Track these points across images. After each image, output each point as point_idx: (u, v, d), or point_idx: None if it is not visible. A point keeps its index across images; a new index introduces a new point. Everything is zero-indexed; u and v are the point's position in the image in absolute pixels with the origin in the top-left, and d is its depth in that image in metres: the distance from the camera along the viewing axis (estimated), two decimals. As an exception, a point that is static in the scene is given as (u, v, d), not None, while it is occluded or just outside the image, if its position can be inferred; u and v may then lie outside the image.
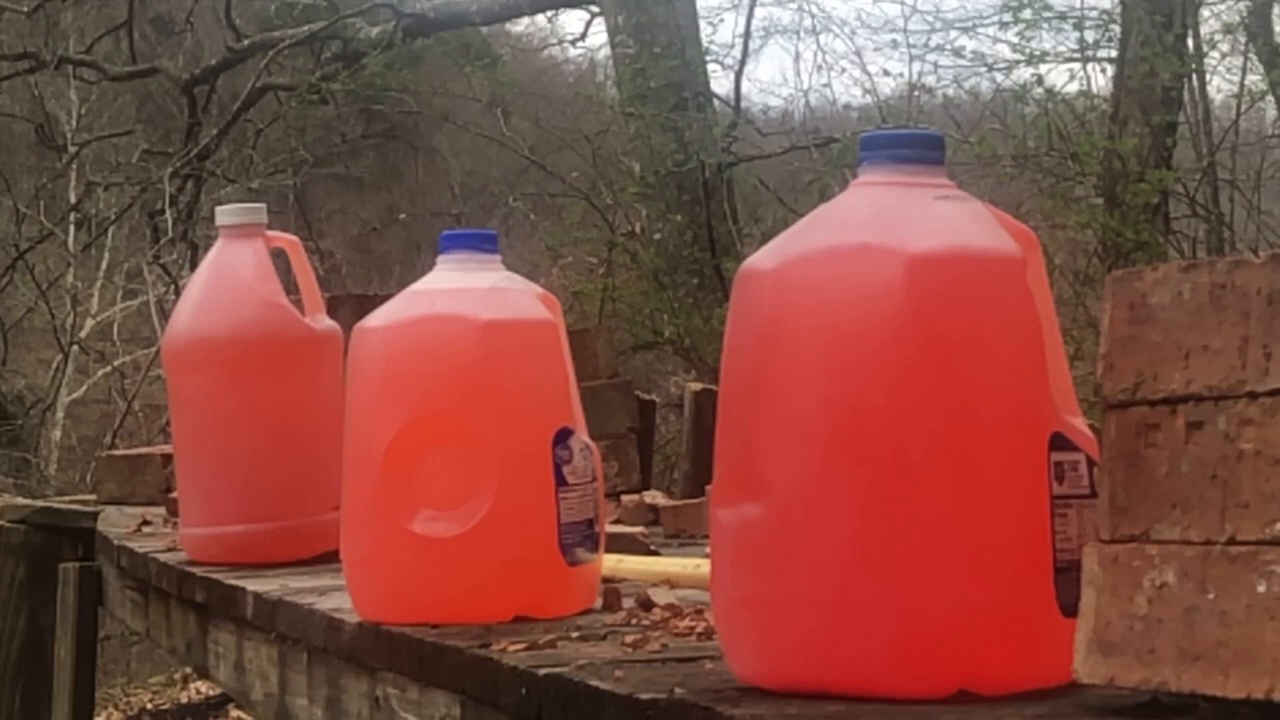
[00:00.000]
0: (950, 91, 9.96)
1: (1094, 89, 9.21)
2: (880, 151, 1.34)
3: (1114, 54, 8.89)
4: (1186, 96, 8.67)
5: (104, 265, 11.94)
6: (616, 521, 2.86)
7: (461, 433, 1.79)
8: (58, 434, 10.96)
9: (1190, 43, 8.66)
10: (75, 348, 10.30)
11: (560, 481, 1.81)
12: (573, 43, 11.81)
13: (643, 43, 9.05)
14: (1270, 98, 9.10)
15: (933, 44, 10.39)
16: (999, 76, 9.76)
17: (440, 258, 1.89)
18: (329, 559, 2.24)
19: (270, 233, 2.72)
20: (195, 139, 9.43)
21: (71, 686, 3.87)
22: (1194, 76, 8.65)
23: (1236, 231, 8.52)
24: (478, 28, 10.59)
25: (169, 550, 2.90)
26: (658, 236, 8.95)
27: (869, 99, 10.58)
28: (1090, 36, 9.33)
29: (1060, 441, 1.26)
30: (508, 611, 1.79)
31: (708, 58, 9.75)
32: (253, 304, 2.63)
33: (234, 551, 2.60)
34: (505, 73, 10.34)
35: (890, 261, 1.24)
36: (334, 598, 2.04)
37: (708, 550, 1.44)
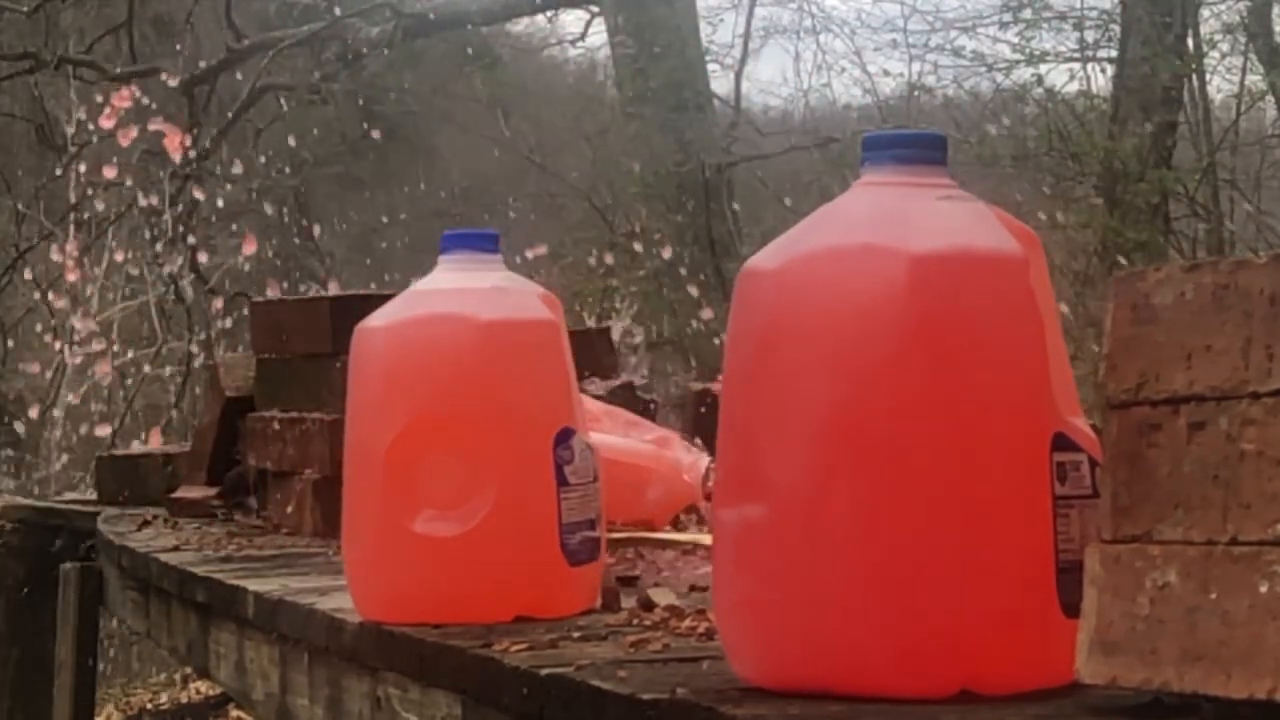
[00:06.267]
0: (950, 91, 9.98)
1: (1094, 89, 9.23)
2: (882, 151, 1.34)
3: (1114, 54, 8.90)
4: (1186, 96, 8.68)
5: (104, 265, 11.93)
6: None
7: (463, 433, 1.79)
8: (58, 434, 10.96)
9: (1190, 43, 8.67)
10: (75, 348, 10.30)
11: (561, 481, 1.81)
12: (573, 43, 11.82)
13: (643, 43, 9.06)
14: (1270, 98, 9.11)
15: (933, 44, 10.40)
16: (999, 76, 9.78)
17: (441, 258, 1.89)
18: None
19: None
20: (195, 139, 9.43)
21: (71, 686, 3.87)
22: (1194, 76, 8.66)
23: (1236, 231, 8.52)
24: (478, 28, 10.59)
25: (171, 550, 2.90)
26: (658, 236, 8.95)
27: (869, 99, 10.60)
28: (1090, 36, 9.35)
29: (1062, 441, 1.26)
30: (509, 611, 1.78)
31: (708, 58, 9.76)
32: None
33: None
34: (505, 73, 10.35)
35: (893, 261, 1.24)
36: (335, 598, 2.04)
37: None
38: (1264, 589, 1.02)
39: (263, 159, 10.36)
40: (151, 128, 7.47)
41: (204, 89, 9.76)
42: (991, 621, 1.23)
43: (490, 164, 12.73)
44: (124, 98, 7.10)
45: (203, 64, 9.77)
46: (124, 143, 7.45)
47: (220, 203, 9.58)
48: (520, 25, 13.40)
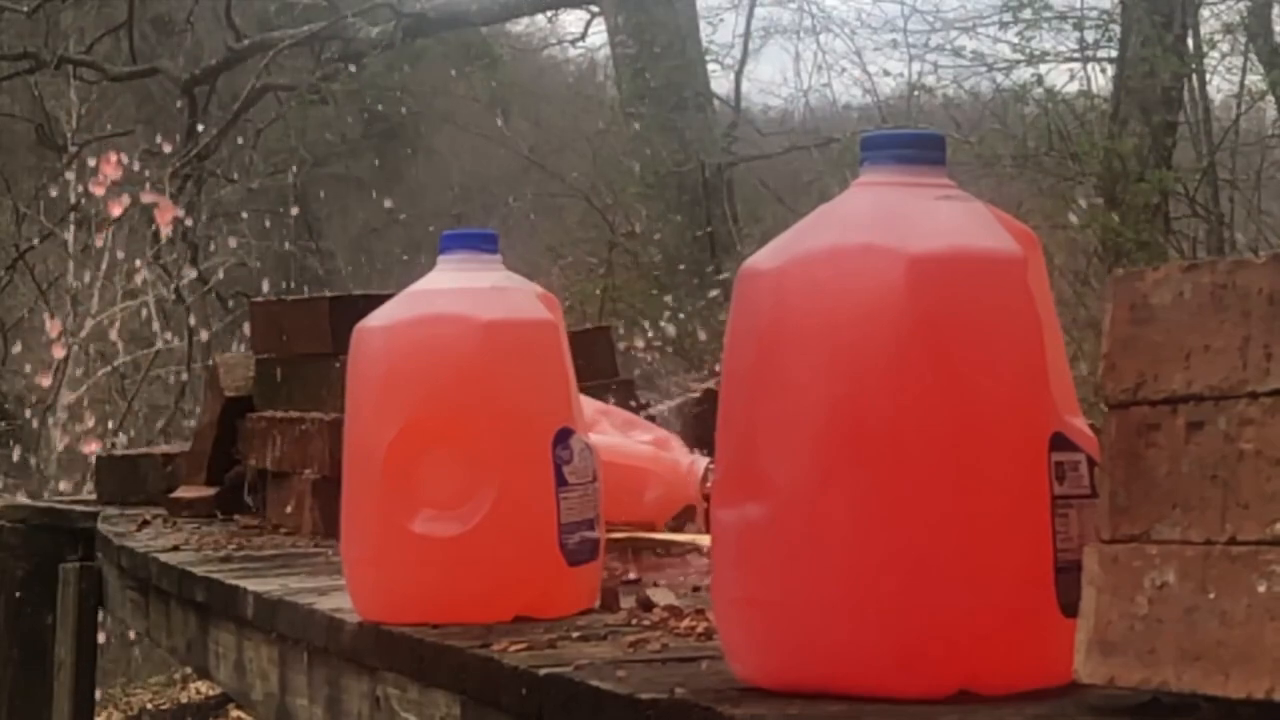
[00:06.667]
0: (950, 91, 9.98)
1: (1094, 89, 9.22)
2: (881, 151, 1.34)
3: (1114, 54, 8.90)
4: (1186, 96, 8.68)
5: (104, 265, 11.94)
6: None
7: (462, 433, 1.79)
8: (58, 434, 10.95)
9: (1190, 43, 8.67)
10: (75, 348, 10.30)
11: (560, 481, 1.81)
12: (573, 43, 11.82)
13: (643, 43, 9.06)
14: (1270, 98, 9.11)
15: (933, 44, 10.40)
16: (999, 76, 9.78)
17: (440, 258, 1.89)
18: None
19: None
20: (195, 139, 9.44)
21: (71, 686, 3.87)
22: (1194, 76, 8.65)
23: (1236, 231, 8.52)
24: (478, 28, 10.59)
25: (170, 550, 2.90)
26: (658, 236, 8.96)
27: (869, 99, 10.60)
28: (1090, 36, 9.34)
29: (1061, 441, 1.26)
30: (508, 611, 1.78)
31: (708, 58, 9.76)
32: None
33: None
34: (505, 73, 10.35)
35: (892, 261, 1.24)
36: (334, 598, 2.04)
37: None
38: (1262, 589, 1.02)
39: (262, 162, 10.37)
40: (145, 199, 7.54)
41: (204, 89, 9.76)
42: (990, 621, 1.23)
43: (490, 164, 12.73)
44: (112, 164, 7.15)
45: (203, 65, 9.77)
46: (115, 211, 7.54)
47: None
48: (520, 25, 13.41)
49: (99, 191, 7.38)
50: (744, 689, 1.30)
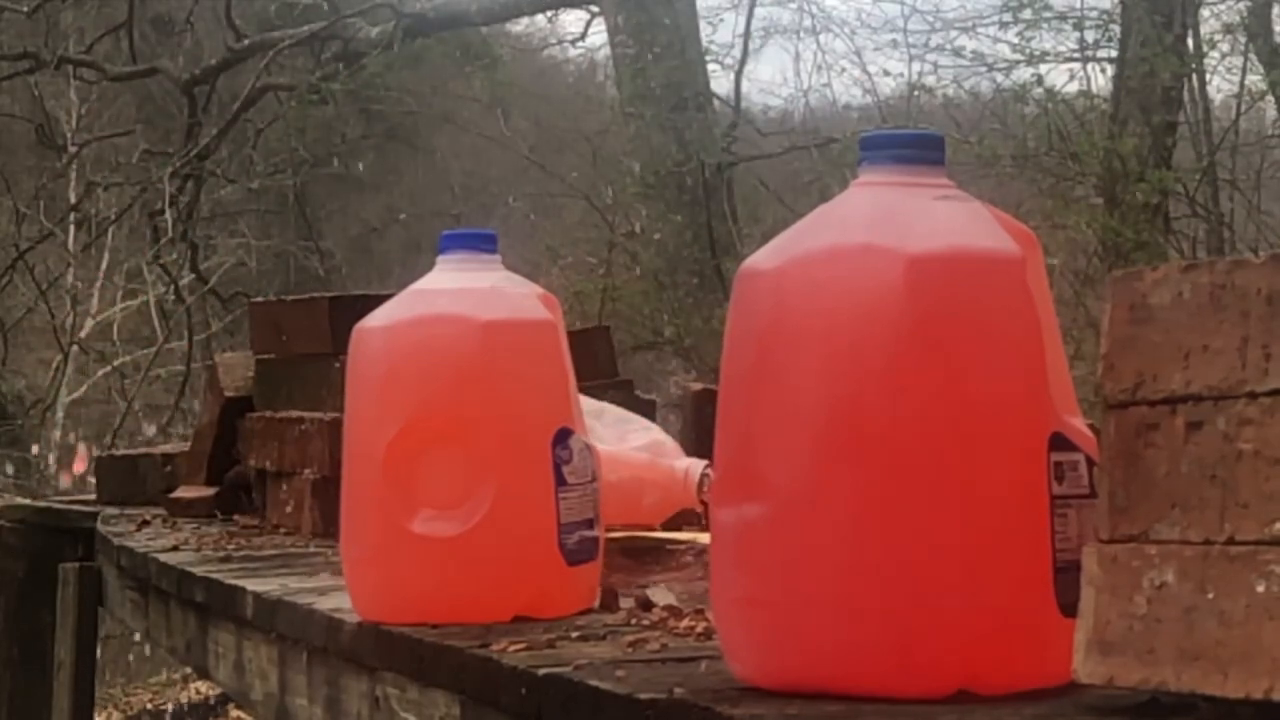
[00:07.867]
0: (950, 91, 9.98)
1: (1094, 89, 9.22)
2: (880, 151, 1.34)
3: (1114, 54, 8.90)
4: (1186, 96, 8.68)
5: (104, 265, 11.95)
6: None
7: (461, 433, 1.79)
8: (58, 434, 10.96)
9: (1190, 43, 8.67)
10: (75, 348, 10.30)
11: (560, 481, 1.81)
12: (573, 43, 11.82)
13: (643, 43, 9.05)
14: (1270, 98, 9.10)
15: (933, 44, 10.41)
16: (999, 76, 9.78)
17: (440, 258, 1.89)
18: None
19: None
20: (195, 139, 9.44)
21: (71, 686, 3.87)
22: (1194, 76, 8.65)
23: (1236, 231, 8.53)
24: (478, 28, 10.59)
25: (169, 550, 2.90)
26: (658, 236, 8.95)
27: (869, 99, 10.61)
28: (1090, 36, 9.35)
29: (1060, 441, 1.26)
30: (507, 611, 1.78)
31: (708, 58, 9.75)
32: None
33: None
34: (505, 73, 10.34)
35: (890, 262, 1.24)
36: (334, 597, 2.04)
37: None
38: (1261, 589, 1.02)
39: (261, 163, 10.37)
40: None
41: (204, 89, 9.76)
42: (989, 621, 1.23)
43: (490, 164, 12.74)
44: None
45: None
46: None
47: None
48: (520, 25, 13.41)
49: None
50: (743, 689, 1.30)
